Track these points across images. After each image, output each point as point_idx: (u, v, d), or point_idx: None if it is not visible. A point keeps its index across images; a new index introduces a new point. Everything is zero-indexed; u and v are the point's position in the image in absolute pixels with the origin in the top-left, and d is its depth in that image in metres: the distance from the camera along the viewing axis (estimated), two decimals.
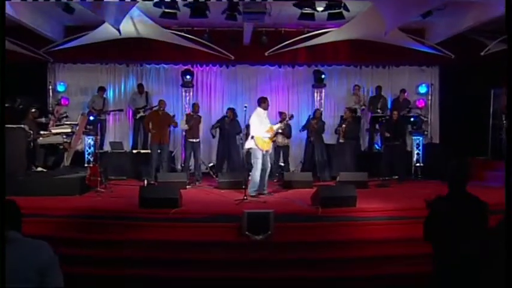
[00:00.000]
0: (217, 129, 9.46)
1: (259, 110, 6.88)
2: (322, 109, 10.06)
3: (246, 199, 6.46)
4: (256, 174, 6.81)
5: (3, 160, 2.38)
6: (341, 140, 8.83)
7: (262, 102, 6.90)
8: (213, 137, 9.55)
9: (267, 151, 6.86)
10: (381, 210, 5.95)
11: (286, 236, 5.34)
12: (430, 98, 10.58)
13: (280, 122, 7.18)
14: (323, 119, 9.51)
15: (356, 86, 10.28)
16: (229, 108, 9.61)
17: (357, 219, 5.70)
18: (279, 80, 10.74)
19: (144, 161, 8.97)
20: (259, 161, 6.77)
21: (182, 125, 8.82)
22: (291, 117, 7.32)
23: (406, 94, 10.12)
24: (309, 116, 9.41)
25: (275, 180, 8.78)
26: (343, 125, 8.80)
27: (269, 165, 6.96)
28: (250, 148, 6.93)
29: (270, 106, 10.36)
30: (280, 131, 7.08)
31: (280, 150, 9.23)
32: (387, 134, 8.74)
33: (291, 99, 10.73)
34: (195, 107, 8.90)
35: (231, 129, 9.28)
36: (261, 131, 6.74)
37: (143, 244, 5.19)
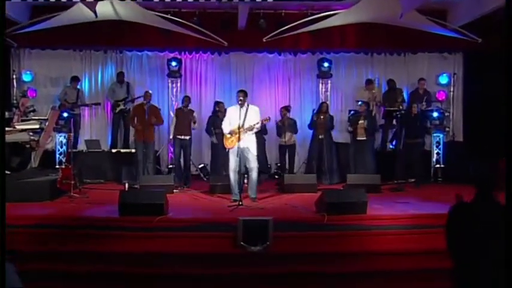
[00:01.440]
0: (213, 137, 9.44)
1: (236, 105, 6.91)
2: (328, 102, 10.08)
3: (242, 204, 6.49)
4: (230, 177, 6.95)
5: (3, 160, 2.55)
6: (360, 137, 8.83)
7: (238, 95, 6.89)
8: (214, 144, 9.41)
9: (231, 148, 6.82)
10: (395, 217, 5.99)
11: (287, 247, 5.36)
12: (452, 89, 10.60)
13: (263, 120, 7.07)
14: (330, 113, 9.51)
15: (368, 81, 10.27)
16: (216, 102, 9.60)
17: (367, 228, 5.73)
18: (279, 69, 10.77)
19: (124, 161, 8.99)
20: (231, 162, 6.88)
21: (172, 124, 8.87)
22: (266, 121, 7.10)
23: (425, 84, 10.12)
24: (313, 110, 9.43)
25: (275, 184, 8.81)
26: (360, 121, 8.80)
27: (251, 165, 6.86)
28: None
29: (269, 100, 10.61)
30: (248, 131, 6.82)
31: (285, 150, 9.25)
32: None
33: (292, 92, 10.77)
34: (186, 100, 8.95)
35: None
36: (226, 127, 6.92)
37: (123, 257, 5.20)
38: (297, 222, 5.83)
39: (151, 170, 8.50)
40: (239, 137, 6.76)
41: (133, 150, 8.91)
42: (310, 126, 9.33)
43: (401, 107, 9.64)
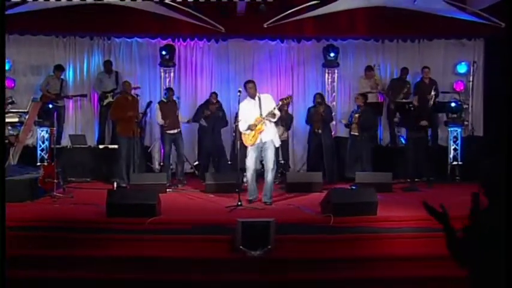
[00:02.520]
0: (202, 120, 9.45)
1: (247, 98, 6.94)
2: (334, 93, 10.09)
3: (240, 205, 6.52)
4: (248, 177, 6.99)
5: (3, 159, 2.59)
6: (353, 132, 8.87)
7: (245, 87, 6.92)
8: (203, 127, 9.40)
9: (252, 146, 6.85)
10: (408, 219, 6.00)
11: (290, 252, 5.39)
12: (471, 79, 10.58)
13: (283, 99, 7.12)
14: (328, 104, 9.50)
15: (368, 68, 10.27)
16: (213, 93, 9.63)
17: (378, 230, 5.76)
18: (281, 58, 10.77)
19: (113, 158, 9.00)
20: (249, 160, 6.91)
21: (159, 119, 8.85)
22: (286, 99, 7.13)
23: (429, 73, 10.05)
24: (313, 101, 9.43)
25: (276, 182, 8.84)
26: (356, 114, 8.84)
27: (269, 165, 6.88)
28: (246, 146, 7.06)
29: (270, 91, 10.54)
30: (270, 117, 6.86)
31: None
32: (424, 122, 8.64)
33: (296, 82, 10.78)
34: (169, 92, 8.99)
35: (217, 119, 9.28)
36: (243, 125, 6.86)
37: (111, 262, 5.22)
38: (300, 225, 5.87)
39: (137, 167, 8.46)
40: (261, 129, 6.77)
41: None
42: (306, 121, 9.37)
43: (405, 99, 9.66)
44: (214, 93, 9.61)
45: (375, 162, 8.82)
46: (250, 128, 6.80)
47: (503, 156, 3.20)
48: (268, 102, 6.92)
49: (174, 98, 9.07)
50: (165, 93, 9.14)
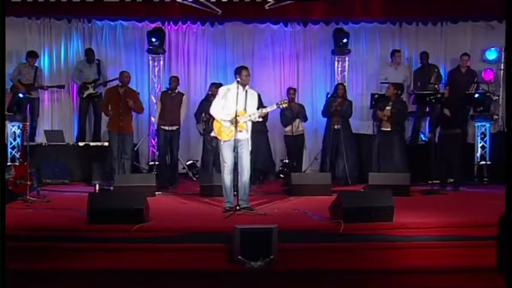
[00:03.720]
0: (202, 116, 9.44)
1: (234, 84, 6.81)
2: (345, 83, 10.10)
3: (239, 209, 6.54)
4: (223, 179, 6.81)
5: (3, 159, 2.63)
6: (384, 128, 8.83)
7: (238, 73, 6.77)
8: (201, 134, 9.39)
9: (226, 141, 6.73)
10: (428, 227, 6.01)
11: (295, 263, 5.38)
12: (502, 67, 10.57)
13: (280, 101, 7.06)
14: (348, 98, 9.53)
15: (396, 53, 10.27)
16: (213, 84, 9.58)
17: (394, 239, 5.75)
18: (285, 43, 10.82)
19: (95, 157, 9.05)
20: (224, 158, 6.77)
21: (157, 112, 8.87)
22: (282, 103, 6.92)
23: (468, 61, 10.07)
24: (327, 94, 9.45)
25: (280, 184, 8.86)
26: (388, 107, 8.77)
27: (244, 165, 6.76)
28: (215, 137, 6.97)
29: (273, 81, 10.61)
30: (257, 119, 6.81)
31: (292, 141, 9.27)
32: (446, 112, 8.60)
33: (301, 71, 10.83)
34: (173, 81, 8.98)
35: None
36: (220, 111, 6.72)
37: (93, 276, 5.22)
38: (307, 232, 5.87)
39: (128, 167, 8.54)
40: (241, 128, 6.68)
41: (105, 144, 8.93)
42: (324, 113, 9.33)
43: (437, 88, 9.62)
44: (216, 84, 9.47)
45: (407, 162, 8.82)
46: (231, 121, 6.67)
47: None
48: (253, 99, 6.87)
49: (180, 89, 9.04)
50: (169, 82, 9.14)
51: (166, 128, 8.75)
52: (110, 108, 8.47)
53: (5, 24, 3.04)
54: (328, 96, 9.36)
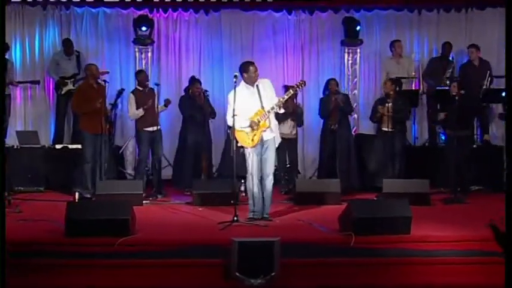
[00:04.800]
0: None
1: (242, 84, 6.88)
2: (356, 79, 10.09)
3: (237, 220, 6.53)
4: (250, 188, 6.91)
5: (3, 159, 2.59)
6: (385, 128, 8.84)
7: (244, 70, 6.83)
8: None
9: (252, 148, 6.80)
10: (450, 240, 6.02)
11: (300, 280, 5.38)
12: None
13: (297, 84, 7.08)
14: (344, 92, 9.58)
15: (396, 43, 10.26)
16: (193, 80, 9.47)
17: (411, 253, 5.76)
18: (289, 33, 10.82)
19: (74, 161, 9.00)
20: (249, 165, 6.84)
21: (132, 113, 8.82)
22: (299, 85, 7.01)
23: (479, 53, 10.05)
24: (324, 91, 9.40)
25: (282, 192, 8.85)
26: (387, 104, 8.79)
27: (269, 170, 6.87)
28: (242, 146, 7.03)
29: (275, 75, 10.57)
30: (277, 110, 6.86)
31: (284, 146, 9.24)
32: (441, 116, 8.65)
33: (307, 64, 10.83)
34: (141, 75, 8.94)
35: (204, 110, 9.21)
36: (238, 119, 6.73)
37: None
38: (313, 245, 5.86)
39: (106, 172, 8.48)
40: (265, 127, 6.73)
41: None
42: (322, 114, 9.32)
43: (447, 83, 9.64)
44: (195, 79, 9.44)
45: (407, 167, 8.85)
46: (251, 125, 6.74)
47: None
48: (268, 90, 6.90)
49: (151, 85, 8.99)
50: (136, 79, 9.10)
51: (150, 129, 8.69)
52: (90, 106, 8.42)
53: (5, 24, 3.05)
54: (324, 93, 9.32)
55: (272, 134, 6.89)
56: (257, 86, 6.85)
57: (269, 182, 6.90)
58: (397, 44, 10.24)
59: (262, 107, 6.77)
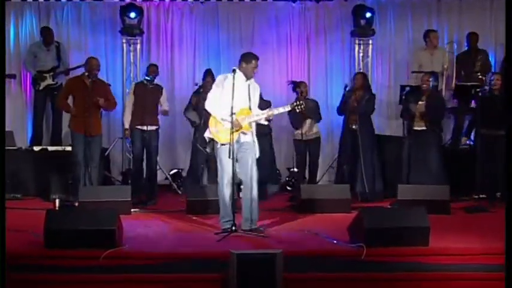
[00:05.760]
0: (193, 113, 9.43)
1: (238, 74, 6.82)
2: (368, 73, 10.09)
3: (235, 230, 6.54)
4: (221, 191, 6.85)
5: (3, 160, 2.88)
6: (417, 127, 8.78)
7: (246, 60, 6.84)
8: (205, 147, 9.22)
9: (224, 145, 6.73)
10: (473, 253, 6.00)
11: None
12: None
13: (296, 102, 7.07)
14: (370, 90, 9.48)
15: (432, 33, 10.26)
16: (207, 71, 9.54)
17: (429, 267, 5.73)
18: (293, 23, 10.86)
19: (54, 164, 9.00)
20: (223, 165, 6.79)
21: (127, 113, 8.86)
22: (298, 106, 6.96)
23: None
24: (345, 87, 9.40)
25: (287, 199, 8.86)
26: (420, 101, 8.72)
27: (251, 174, 6.79)
28: (212, 139, 6.98)
29: (277, 70, 10.60)
30: (263, 121, 6.91)
31: (304, 147, 9.30)
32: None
33: (313, 58, 10.86)
34: (151, 70, 8.98)
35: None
36: (219, 106, 6.73)
37: None
38: (320, 258, 5.85)
39: (96, 177, 8.54)
40: (247, 129, 6.74)
41: (68, 148, 8.90)
42: (339, 111, 9.33)
43: (482, 78, 9.61)
44: (211, 72, 9.44)
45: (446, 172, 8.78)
46: (233, 123, 6.62)
47: None
48: (256, 95, 6.94)
49: (156, 81, 9.03)
50: (146, 72, 9.12)
51: (143, 128, 8.71)
52: (72, 104, 8.41)
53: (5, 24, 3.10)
54: (347, 89, 9.28)
55: (252, 138, 6.86)
56: (248, 84, 6.87)
57: (254, 187, 6.81)
58: (433, 34, 10.25)
59: (250, 108, 6.79)
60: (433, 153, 8.72)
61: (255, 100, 6.92)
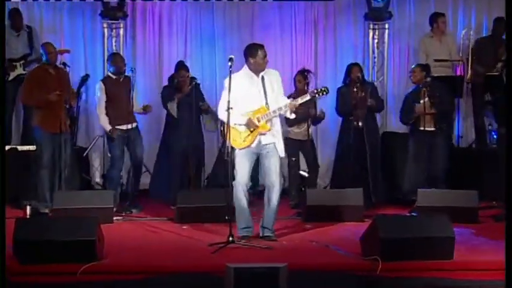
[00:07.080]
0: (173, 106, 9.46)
1: (244, 70, 6.95)
2: (384, 63, 10.09)
3: (232, 241, 6.55)
4: (237, 197, 6.96)
5: (3, 159, 3.14)
6: (422, 127, 8.84)
7: (251, 55, 6.90)
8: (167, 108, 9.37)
9: (243, 149, 6.89)
10: (502, 268, 5.94)
11: None
12: None
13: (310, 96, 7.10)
14: (373, 82, 9.71)
15: (440, 18, 10.27)
16: (179, 64, 9.53)
17: (454, 283, 5.75)
18: (298, 6, 10.88)
19: (26, 166, 9.01)
20: (239, 171, 6.92)
21: (100, 109, 8.84)
22: (320, 92, 7.05)
23: None
24: (338, 89, 9.41)
25: (291, 205, 8.94)
26: (425, 99, 8.78)
27: (274, 179, 6.95)
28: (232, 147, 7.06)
29: (280, 61, 10.59)
30: (287, 114, 7.00)
31: (299, 149, 9.33)
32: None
33: (321, 46, 10.88)
34: (118, 60, 8.93)
35: (196, 103, 9.23)
36: (233, 113, 6.76)
37: None
38: (329, 273, 5.85)
39: (69, 180, 8.52)
40: (265, 129, 6.83)
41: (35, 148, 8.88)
42: (340, 111, 9.33)
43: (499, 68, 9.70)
44: (184, 65, 9.48)
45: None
46: (248, 124, 6.80)
47: None
48: (275, 85, 7.01)
49: (127, 72, 9.01)
50: (110, 64, 9.07)
51: (124, 127, 8.69)
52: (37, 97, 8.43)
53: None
54: (345, 80, 9.30)
55: (273, 139, 6.95)
56: (262, 77, 6.94)
57: (275, 194, 6.97)
58: (441, 19, 10.25)
59: (267, 105, 6.85)
60: (440, 155, 8.85)
61: (274, 90, 6.98)
